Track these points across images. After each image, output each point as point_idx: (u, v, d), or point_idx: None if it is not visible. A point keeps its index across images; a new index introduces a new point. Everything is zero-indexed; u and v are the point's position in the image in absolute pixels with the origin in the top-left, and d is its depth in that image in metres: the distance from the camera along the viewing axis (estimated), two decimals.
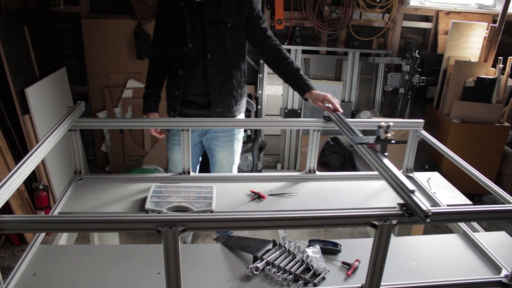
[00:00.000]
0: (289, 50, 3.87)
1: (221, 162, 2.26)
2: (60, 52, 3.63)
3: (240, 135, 2.26)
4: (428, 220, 1.07)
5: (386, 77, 3.93)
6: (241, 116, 2.25)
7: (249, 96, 3.88)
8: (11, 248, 2.76)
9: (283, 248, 1.42)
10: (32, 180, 2.88)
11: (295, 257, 1.38)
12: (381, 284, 1.20)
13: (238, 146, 2.28)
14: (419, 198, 1.12)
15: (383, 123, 1.47)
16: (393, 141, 1.47)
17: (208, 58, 1.99)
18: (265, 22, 2.09)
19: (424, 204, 1.09)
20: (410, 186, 1.18)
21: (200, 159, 2.40)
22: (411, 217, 1.11)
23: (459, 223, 1.65)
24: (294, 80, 2.05)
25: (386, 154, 1.48)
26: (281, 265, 1.34)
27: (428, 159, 3.75)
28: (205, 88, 2.05)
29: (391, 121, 1.47)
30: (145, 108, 2.19)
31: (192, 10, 1.97)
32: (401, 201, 1.18)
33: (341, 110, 1.88)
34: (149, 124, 2.14)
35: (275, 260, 1.36)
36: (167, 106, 2.18)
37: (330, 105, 1.89)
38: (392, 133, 1.47)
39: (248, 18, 2.03)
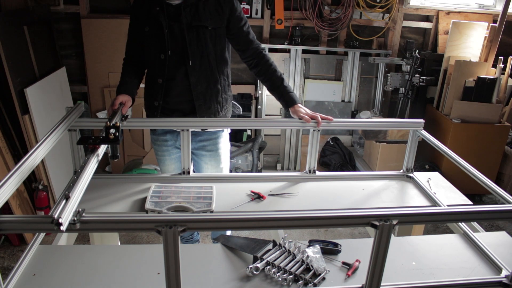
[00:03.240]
0: (289, 50, 3.88)
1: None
2: (60, 52, 3.63)
3: (224, 143, 2.14)
4: (61, 228, 0.96)
5: (386, 77, 3.93)
6: None
7: (249, 96, 3.89)
8: (11, 248, 2.76)
9: (283, 248, 1.42)
10: (31, 180, 2.88)
11: (295, 257, 1.38)
12: (381, 284, 1.20)
13: (225, 157, 2.16)
14: (71, 204, 1.02)
15: (108, 122, 1.42)
16: (118, 142, 1.38)
17: (190, 65, 1.89)
18: (247, 24, 1.97)
19: (61, 211, 0.97)
20: (69, 191, 1.05)
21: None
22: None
23: (459, 223, 1.65)
24: (279, 90, 1.98)
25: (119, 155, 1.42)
26: (281, 265, 1.34)
27: (428, 159, 3.75)
28: (188, 96, 1.95)
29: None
30: (117, 90, 2.01)
31: (169, 15, 1.86)
32: None
33: (325, 120, 1.88)
34: (149, 124, 2.13)
35: (275, 260, 1.36)
36: (146, 116, 2.09)
37: (307, 117, 1.88)
38: (117, 133, 1.39)
39: (229, 20, 1.93)
